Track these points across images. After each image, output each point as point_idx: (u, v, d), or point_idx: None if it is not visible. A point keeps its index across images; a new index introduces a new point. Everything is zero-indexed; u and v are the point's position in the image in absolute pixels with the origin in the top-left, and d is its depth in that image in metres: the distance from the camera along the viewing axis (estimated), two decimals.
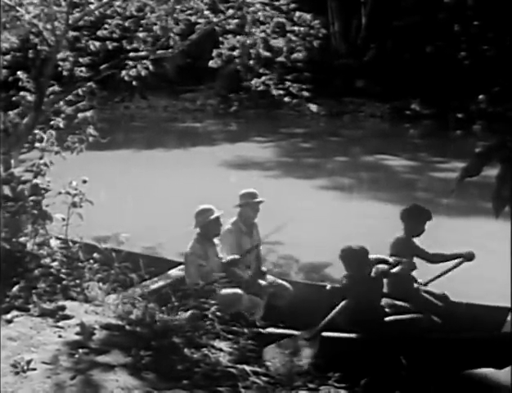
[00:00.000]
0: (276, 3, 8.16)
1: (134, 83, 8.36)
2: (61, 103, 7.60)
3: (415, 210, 6.08)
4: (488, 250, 7.59)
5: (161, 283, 6.15)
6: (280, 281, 6.34)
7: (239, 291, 5.76)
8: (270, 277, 6.36)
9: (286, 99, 8.67)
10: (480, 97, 22.12)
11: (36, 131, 6.46)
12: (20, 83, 7.68)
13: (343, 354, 4.92)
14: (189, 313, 5.19)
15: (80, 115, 7.50)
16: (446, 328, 5.46)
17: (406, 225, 6.01)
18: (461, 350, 5.17)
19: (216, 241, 6.04)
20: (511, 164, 2.58)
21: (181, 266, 6.79)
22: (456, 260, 6.00)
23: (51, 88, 7.39)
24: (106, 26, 8.40)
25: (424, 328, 5.41)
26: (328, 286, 6.08)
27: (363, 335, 5.29)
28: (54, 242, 5.55)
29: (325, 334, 5.25)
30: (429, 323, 5.49)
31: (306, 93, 8.84)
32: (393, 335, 5.36)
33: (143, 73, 8.14)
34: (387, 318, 5.50)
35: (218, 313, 4.94)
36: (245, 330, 4.82)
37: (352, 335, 5.29)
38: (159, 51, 8.04)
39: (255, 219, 6.36)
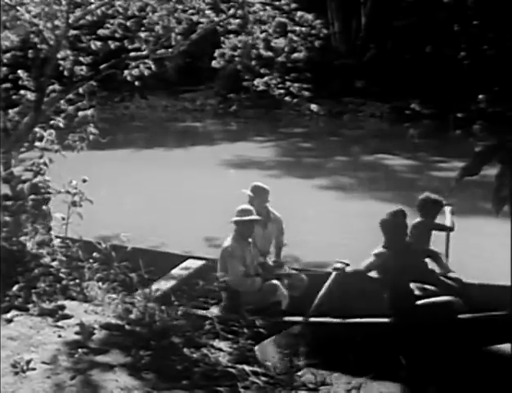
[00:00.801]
0: (277, 3, 8.17)
1: (137, 83, 8.38)
2: (62, 102, 7.61)
3: (429, 199, 6.40)
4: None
5: (167, 285, 6.22)
6: (294, 272, 6.60)
7: (276, 282, 6.09)
8: (286, 268, 6.67)
9: (287, 98, 8.69)
10: (480, 96, 22.10)
11: (36, 130, 6.46)
12: (20, 82, 7.69)
13: (376, 340, 5.17)
14: (221, 305, 5.85)
15: (81, 113, 7.51)
16: (464, 309, 5.70)
17: (422, 214, 6.39)
18: (483, 329, 5.45)
19: (250, 239, 6.30)
20: (511, 163, 2.58)
21: (184, 264, 6.86)
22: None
23: (51, 87, 7.39)
24: (108, 26, 8.41)
25: (454, 311, 5.62)
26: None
27: (396, 319, 5.51)
28: (54, 241, 5.55)
29: (358, 320, 5.51)
30: (459, 306, 5.69)
31: (306, 93, 8.85)
32: (426, 319, 5.58)
33: (146, 72, 8.15)
34: (418, 302, 5.72)
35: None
36: (245, 330, 4.83)
37: (385, 319, 5.51)
38: (159, 51, 8.04)
39: (266, 208, 6.64)
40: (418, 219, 6.35)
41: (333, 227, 9.79)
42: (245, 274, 6.02)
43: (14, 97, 7.62)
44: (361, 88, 25.20)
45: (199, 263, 6.98)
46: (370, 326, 5.51)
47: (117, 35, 8.39)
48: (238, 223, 6.12)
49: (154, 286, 5.96)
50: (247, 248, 6.18)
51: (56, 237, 5.63)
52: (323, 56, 22.89)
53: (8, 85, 8.23)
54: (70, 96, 7.72)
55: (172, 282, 6.35)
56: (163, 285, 6.21)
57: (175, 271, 6.68)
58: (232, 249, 6.06)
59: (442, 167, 15.35)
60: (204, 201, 11.22)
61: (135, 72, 8.11)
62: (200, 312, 5.53)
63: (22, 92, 7.48)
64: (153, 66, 8.15)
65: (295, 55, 8.58)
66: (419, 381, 5.09)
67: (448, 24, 23.85)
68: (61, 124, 6.71)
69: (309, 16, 8.32)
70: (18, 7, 7.34)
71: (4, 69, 8.34)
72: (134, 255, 5.97)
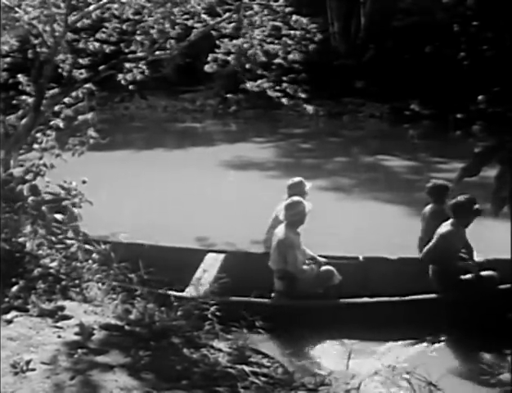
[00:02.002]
0: (274, 4, 8.17)
1: (131, 87, 8.51)
2: (62, 105, 7.63)
3: (436, 185, 6.95)
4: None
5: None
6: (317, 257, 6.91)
7: (331, 267, 6.49)
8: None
9: (283, 100, 8.71)
10: (480, 97, 22.08)
11: (38, 135, 6.48)
12: (20, 87, 7.71)
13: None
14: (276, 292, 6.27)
15: (80, 117, 7.53)
16: None
17: (433, 200, 6.93)
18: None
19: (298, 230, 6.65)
20: (510, 164, 2.59)
21: (208, 259, 6.90)
22: None
23: (52, 91, 7.41)
24: (104, 30, 8.45)
25: (496, 283, 6.00)
26: (361, 258, 6.90)
27: (446, 295, 5.92)
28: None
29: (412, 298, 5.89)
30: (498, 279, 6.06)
31: (302, 95, 8.88)
32: (475, 292, 5.93)
33: (139, 77, 8.27)
34: (463, 277, 6.09)
35: (218, 313, 4.94)
36: (245, 330, 4.83)
37: (434, 295, 5.90)
38: (156, 53, 8.07)
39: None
40: (431, 205, 6.88)
41: (332, 228, 9.79)
42: (303, 263, 6.43)
43: (14, 101, 7.64)
44: (360, 88, 25.17)
45: (221, 256, 7.06)
46: (420, 302, 5.85)
47: (113, 39, 8.46)
48: (294, 217, 6.48)
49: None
50: (298, 238, 6.54)
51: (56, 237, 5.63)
52: (322, 56, 22.86)
53: (8, 88, 8.26)
54: (69, 98, 7.74)
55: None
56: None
57: (199, 272, 6.71)
58: (291, 240, 6.44)
59: (442, 168, 15.33)
60: (204, 201, 11.22)
61: (129, 76, 8.20)
62: (255, 299, 5.92)
63: (23, 97, 7.51)
64: (147, 70, 8.26)
65: (293, 56, 8.59)
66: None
67: (448, 24, 23.84)
68: (61, 125, 6.73)
69: (304, 20, 8.35)
70: (16, 9, 7.35)
71: (4, 73, 8.37)
72: (137, 253, 6.02)
